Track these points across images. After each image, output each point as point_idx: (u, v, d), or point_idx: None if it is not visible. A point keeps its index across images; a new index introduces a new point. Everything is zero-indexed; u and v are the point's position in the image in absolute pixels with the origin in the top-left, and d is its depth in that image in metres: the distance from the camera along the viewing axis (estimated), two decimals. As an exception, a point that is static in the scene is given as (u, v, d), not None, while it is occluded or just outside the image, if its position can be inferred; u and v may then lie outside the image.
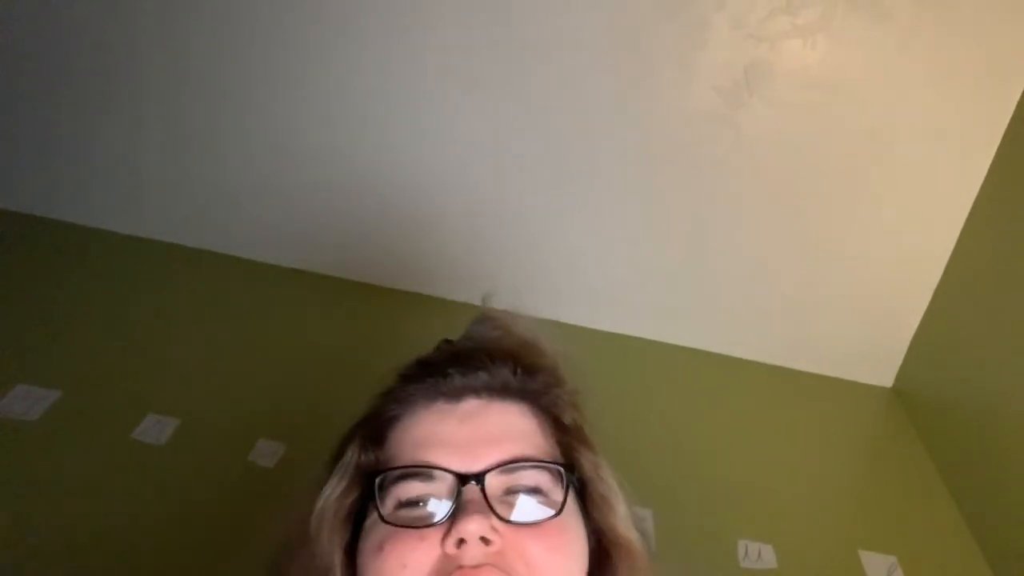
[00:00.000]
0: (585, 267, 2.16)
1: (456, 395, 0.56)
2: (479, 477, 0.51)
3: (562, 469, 0.54)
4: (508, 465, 0.52)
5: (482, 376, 0.57)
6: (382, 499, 0.52)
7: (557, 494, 0.53)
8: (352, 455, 0.57)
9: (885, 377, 2.19)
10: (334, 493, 0.55)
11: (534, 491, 0.52)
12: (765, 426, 1.97)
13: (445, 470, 0.51)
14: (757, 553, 1.56)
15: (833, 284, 2.08)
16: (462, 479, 0.51)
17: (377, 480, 0.53)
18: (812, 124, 1.90)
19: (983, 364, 1.81)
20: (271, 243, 2.25)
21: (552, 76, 1.93)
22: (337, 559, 0.54)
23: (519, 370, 0.59)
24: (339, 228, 2.21)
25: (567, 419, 0.59)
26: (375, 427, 0.57)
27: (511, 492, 0.52)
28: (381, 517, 0.51)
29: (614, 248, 2.13)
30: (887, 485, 1.85)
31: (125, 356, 1.82)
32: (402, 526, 0.50)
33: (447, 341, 0.66)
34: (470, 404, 0.56)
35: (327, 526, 0.54)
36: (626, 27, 1.85)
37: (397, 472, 0.52)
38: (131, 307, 2.01)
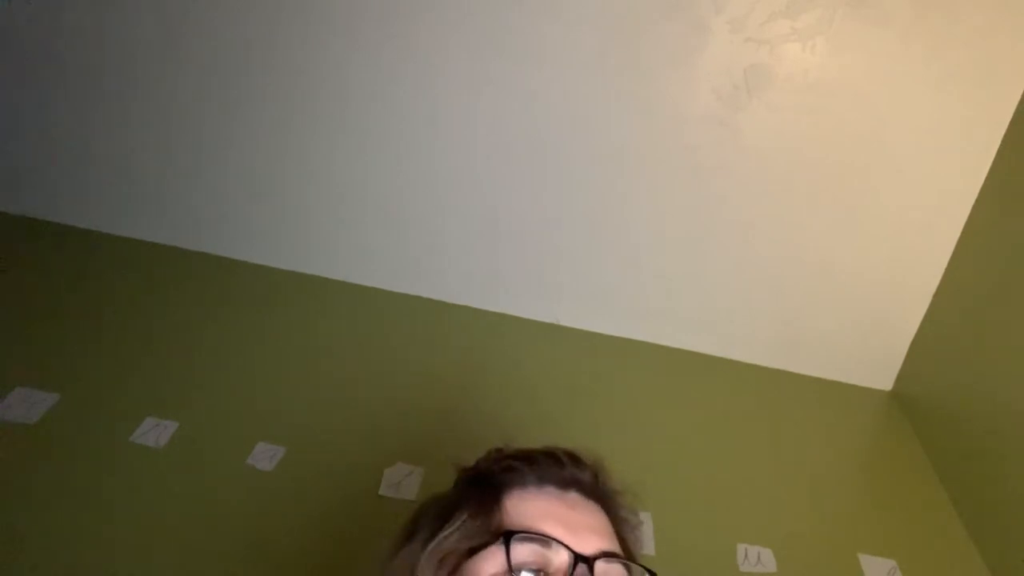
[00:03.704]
0: (583, 270, 2.16)
1: (565, 484, 0.66)
2: (591, 560, 0.59)
3: (646, 573, 0.63)
4: (611, 556, 0.61)
5: (586, 475, 0.68)
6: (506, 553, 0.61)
7: None
8: (467, 510, 0.65)
9: (884, 381, 2.19)
10: (452, 537, 0.63)
11: None
12: (764, 429, 1.97)
13: (564, 545, 0.59)
14: (756, 557, 1.56)
15: (832, 287, 2.08)
16: (578, 556, 0.59)
17: (512, 537, 0.60)
18: (811, 127, 1.91)
19: (983, 368, 1.80)
20: (269, 245, 2.25)
21: (551, 79, 1.93)
22: None
23: (599, 480, 0.70)
24: (334, 229, 2.21)
25: (628, 535, 0.69)
26: (490, 490, 0.66)
27: None
28: (509, 567, 0.58)
29: (613, 251, 2.13)
30: (886, 489, 1.85)
31: (123, 359, 1.82)
32: None
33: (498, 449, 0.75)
34: (573, 496, 0.66)
35: (446, 564, 0.61)
36: (625, 30, 1.86)
37: (526, 534, 0.60)
38: (130, 310, 2.01)
